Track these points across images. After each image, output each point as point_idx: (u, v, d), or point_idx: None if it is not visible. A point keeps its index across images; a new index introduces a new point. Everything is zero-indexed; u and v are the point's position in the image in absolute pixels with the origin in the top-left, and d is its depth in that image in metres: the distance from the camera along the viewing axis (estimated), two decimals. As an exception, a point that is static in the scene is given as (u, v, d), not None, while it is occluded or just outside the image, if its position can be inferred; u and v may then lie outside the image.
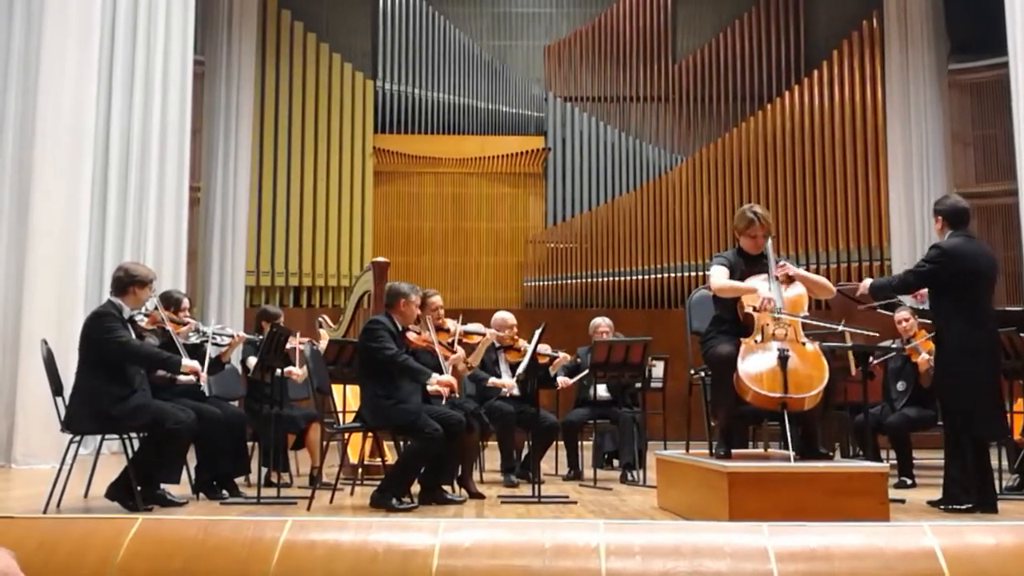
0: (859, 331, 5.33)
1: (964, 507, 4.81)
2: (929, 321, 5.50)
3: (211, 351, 5.59)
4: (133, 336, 5.02)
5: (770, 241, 4.85)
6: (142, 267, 5.30)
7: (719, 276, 4.72)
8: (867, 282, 5.20)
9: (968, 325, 4.87)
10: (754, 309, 4.53)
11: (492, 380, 6.59)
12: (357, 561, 2.89)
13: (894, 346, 6.45)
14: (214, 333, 5.70)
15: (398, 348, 5.22)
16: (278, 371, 5.46)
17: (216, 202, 12.39)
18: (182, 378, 5.18)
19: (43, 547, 2.94)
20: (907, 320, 6.42)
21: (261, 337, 5.78)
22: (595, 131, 13.59)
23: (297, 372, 6.25)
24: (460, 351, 5.77)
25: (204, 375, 5.17)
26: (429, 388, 5.19)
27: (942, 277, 4.95)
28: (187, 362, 5.05)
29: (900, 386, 6.53)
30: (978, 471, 4.85)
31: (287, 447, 6.42)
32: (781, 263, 4.73)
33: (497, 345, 6.69)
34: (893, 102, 12.74)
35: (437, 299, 6.18)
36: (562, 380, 6.97)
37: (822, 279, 4.88)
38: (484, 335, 6.26)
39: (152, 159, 9.22)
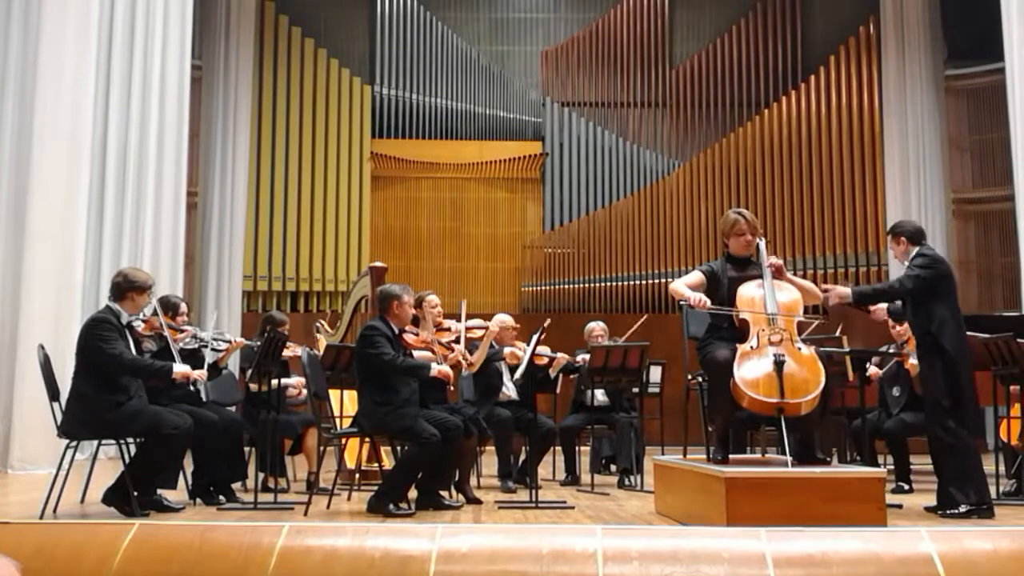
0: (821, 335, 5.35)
1: (961, 512, 4.81)
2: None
3: (209, 356, 5.58)
4: (131, 343, 5.01)
5: (763, 243, 4.85)
6: (141, 273, 5.29)
7: (679, 281, 4.80)
8: (847, 290, 4.98)
9: (957, 326, 4.94)
10: (690, 305, 4.56)
11: (504, 392, 6.64)
12: (354, 566, 2.89)
13: (891, 351, 6.46)
14: (212, 338, 5.69)
15: (395, 352, 5.21)
16: (275, 382, 5.46)
17: (214, 207, 12.38)
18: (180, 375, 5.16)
19: (40, 552, 2.94)
20: (900, 325, 6.41)
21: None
22: (592, 136, 13.59)
23: (295, 383, 6.30)
24: (459, 349, 5.75)
25: (199, 375, 5.17)
26: (432, 373, 5.18)
27: (934, 281, 4.98)
28: (178, 367, 5.04)
29: (895, 391, 6.53)
30: (974, 474, 4.86)
31: (284, 452, 6.41)
32: (771, 261, 4.72)
33: (496, 346, 6.68)
34: (890, 108, 12.76)
35: (434, 298, 6.17)
36: (582, 357, 6.92)
37: (810, 284, 4.89)
38: (487, 328, 6.27)
39: (150, 164, 9.21)
